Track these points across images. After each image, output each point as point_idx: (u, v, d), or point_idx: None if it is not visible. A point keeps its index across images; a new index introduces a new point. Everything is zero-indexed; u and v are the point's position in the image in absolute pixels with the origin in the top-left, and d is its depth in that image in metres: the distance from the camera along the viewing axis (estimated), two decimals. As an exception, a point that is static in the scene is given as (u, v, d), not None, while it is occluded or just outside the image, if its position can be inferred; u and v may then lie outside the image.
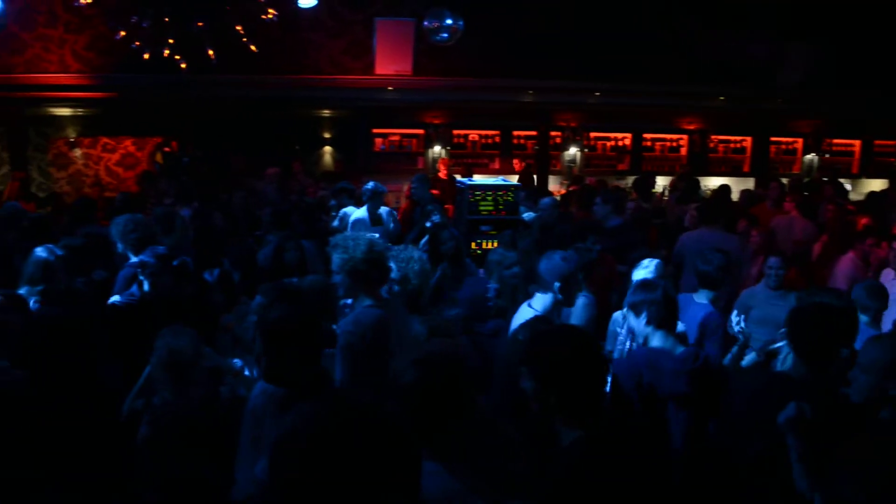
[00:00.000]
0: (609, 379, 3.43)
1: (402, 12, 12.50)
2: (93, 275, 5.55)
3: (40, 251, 4.81)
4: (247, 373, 4.14)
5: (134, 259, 5.24)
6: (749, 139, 15.42)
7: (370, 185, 8.06)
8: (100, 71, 12.17)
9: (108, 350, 4.44)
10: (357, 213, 8.03)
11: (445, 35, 8.91)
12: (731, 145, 15.52)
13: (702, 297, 4.79)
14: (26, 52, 11.98)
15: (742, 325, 4.35)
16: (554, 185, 14.19)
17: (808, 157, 15.49)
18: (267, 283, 4.78)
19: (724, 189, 11.07)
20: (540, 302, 3.97)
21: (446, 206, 8.69)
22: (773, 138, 15.46)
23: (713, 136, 15.28)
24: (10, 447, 2.87)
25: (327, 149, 14.63)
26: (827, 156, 15.57)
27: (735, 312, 4.62)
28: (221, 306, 5.24)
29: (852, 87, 13.30)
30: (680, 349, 3.44)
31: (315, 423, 1.27)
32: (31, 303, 4.41)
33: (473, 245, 7.45)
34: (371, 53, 12.71)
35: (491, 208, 7.61)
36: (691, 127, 15.15)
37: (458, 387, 2.32)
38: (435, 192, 10.47)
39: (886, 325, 4.75)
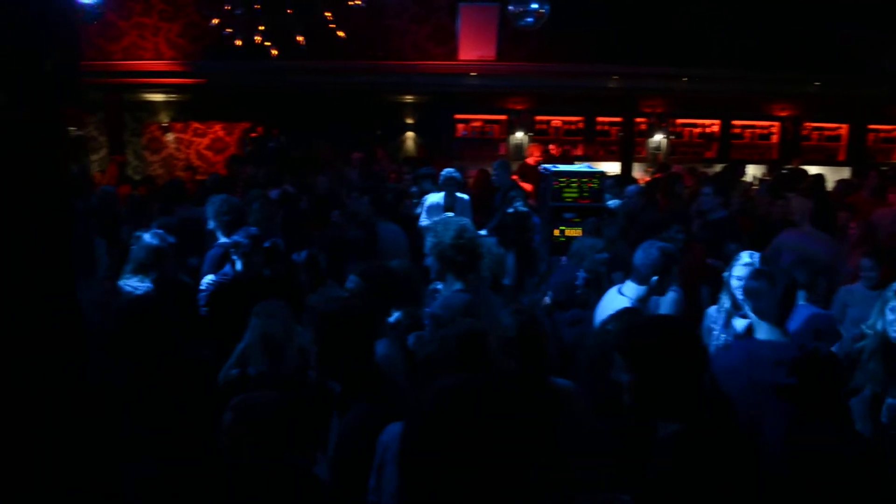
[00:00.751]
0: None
1: (486, -3, 12.45)
2: (188, 262, 5.73)
3: (150, 238, 4.73)
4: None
5: (224, 239, 5.37)
6: (845, 126, 14.74)
7: (446, 171, 8.10)
8: (191, 58, 12.56)
9: (203, 327, 4.60)
10: (432, 198, 8.06)
11: (531, 20, 8.78)
12: (826, 133, 14.88)
13: (800, 299, 4.60)
14: (123, 39, 12.45)
15: None
16: (638, 172, 13.91)
17: (909, 145, 14.74)
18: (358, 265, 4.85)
19: (819, 179, 10.64)
20: (632, 290, 3.90)
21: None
22: (871, 126, 14.75)
23: (806, 123, 14.68)
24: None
25: (410, 134, 14.72)
26: (930, 144, 14.79)
27: None
28: (307, 287, 5.34)
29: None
30: (783, 341, 3.33)
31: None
32: (142, 290, 4.51)
33: (556, 232, 7.37)
34: (455, 39, 12.70)
35: (575, 195, 7.50)
36: (783, 114, 14.59)
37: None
38: (523, 181, 10.44)
39: None
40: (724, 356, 3.43)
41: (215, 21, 10.28)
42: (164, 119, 14.65)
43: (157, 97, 14.44)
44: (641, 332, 2.42)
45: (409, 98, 14.54)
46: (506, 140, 14.18)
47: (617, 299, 3.93)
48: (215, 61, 12.09)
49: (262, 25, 10.11)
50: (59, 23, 1.21)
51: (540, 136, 14.15)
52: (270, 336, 3.42)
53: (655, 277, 3.83)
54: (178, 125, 14.80)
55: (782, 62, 12.69)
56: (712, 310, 4.57)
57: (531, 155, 12.26)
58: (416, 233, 7.36)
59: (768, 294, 3.41)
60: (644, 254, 3.91)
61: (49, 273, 1.22)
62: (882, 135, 14.91)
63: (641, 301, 3.88)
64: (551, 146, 14.00)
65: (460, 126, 14.28)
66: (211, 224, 5.64)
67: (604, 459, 2.75)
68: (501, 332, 2.54)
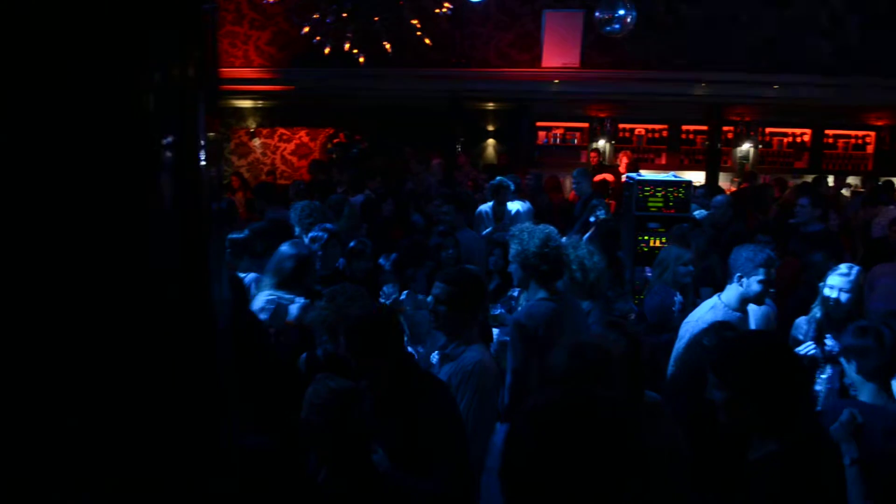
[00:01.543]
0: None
1: (571, 4, 12.37)
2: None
3: (288, 248, 4.45)
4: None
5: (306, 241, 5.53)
6: (950, 137, 14.03)
7: (495, 180, 8.14)
8: (279, 65, 12.89)
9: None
10: (482, 206, 8.08)
11: (617, 26, 8.67)
12: (927, 143, 14.19)
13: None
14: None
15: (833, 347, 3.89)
16: (724, 182, 13.54)
17: None
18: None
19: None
20: (732, 293, 3.84)
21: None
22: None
23: (905, 133, 14.04)
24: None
25: (490, 141, 14.74)
26: None
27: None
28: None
29: None
30: (893, 406, 3.04)
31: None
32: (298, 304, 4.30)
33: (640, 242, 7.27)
34: (538, 46, 12.66)
35: (660, 205, 7.37)
36: (880, 123, 13.97)
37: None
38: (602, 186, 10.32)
39: None
40: (829, 418, 3.19)
41: (306, 29, 10.53)
42: (252, 124, 15.07)
43: (245, 103, 14.86)
44: (738, 350, 2.35)
45: (490, 105, 14.56)
46: (587, 148, 14.04)
47: (712, 308, 3.85)
48: (303, 68, 12.38)
49: (350, 33, 10.31)
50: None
51: (622, 143, 13.96)
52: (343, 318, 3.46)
53: (757, 283, 3.74)
54: (265, 130, 15.20)
55: (880, 69, 12.17)
56: (802, 320, 4.42)
57: (620, 163, 12.15)
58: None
59: (876, 353, 3.03)
60: (747, 251, 3.84)
61: (192, 275, 1.27)
62: None
63: (739, 309, 3.79)
64: (592, 153, 13.75)
65: (542, 133, 14.22)
66: (296, 230, 5.81)
67: (683, 476, 2.67)
68: (604, 347, 2.50)
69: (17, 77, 1.10)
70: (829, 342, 3.94)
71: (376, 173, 9.71)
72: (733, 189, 12.62)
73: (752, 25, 11.95)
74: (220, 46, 12.84)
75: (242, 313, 3.75)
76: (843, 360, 3.19)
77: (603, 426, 1.24)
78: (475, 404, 3.12)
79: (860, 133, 14.11)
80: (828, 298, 4.21)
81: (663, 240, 6.97)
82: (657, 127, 14.08)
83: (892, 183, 10.60)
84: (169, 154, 1.18)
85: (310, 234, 5.16)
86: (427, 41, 10.62)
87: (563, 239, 4.17)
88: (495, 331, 4.76)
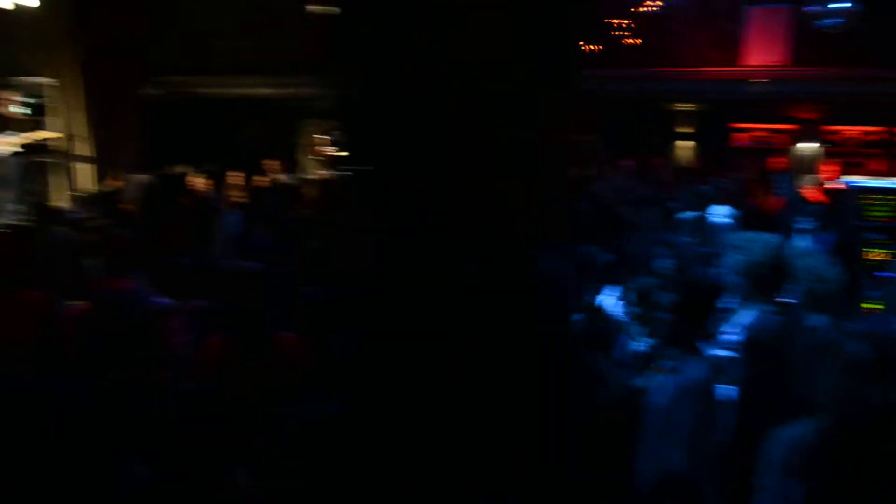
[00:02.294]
0: None
1: (776, -2, 11.72)
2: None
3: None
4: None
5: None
6: None
7: (697, 185, 7.88)
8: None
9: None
10: (684, 213, 7.80)
11: (834, 20, 8.11)
12: None
13: None
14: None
15: None
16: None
17: None
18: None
19: None
20: None
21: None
22: None
23: None
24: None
25: (685, 143, 14.23)
26: None
27: None
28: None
29: None
30: None
31: None
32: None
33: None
34: (738, 44, 12.10)
35: (883, 214, 6.81)
36: None
37: None
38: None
39: None
40: None
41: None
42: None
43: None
44: None
45: (685, 106, 14.06)
46: (789, 150, 13.22)
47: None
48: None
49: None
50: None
51: (829, 147, 13.01)
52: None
53: None
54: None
55: None
56: None
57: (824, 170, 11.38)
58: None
59: None
60: None
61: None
62: None
63: None
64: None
65: (740, 136, 13.57)
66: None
67: None
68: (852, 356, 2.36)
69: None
70: None
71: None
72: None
73: None
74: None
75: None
76: None
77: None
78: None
79: None
80: None
81: (887, 252, 6.44)
82: (874, 129, 12.99)
83: None
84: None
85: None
86: (634, 42, 10.47)
87: (794, 247, 3.97)
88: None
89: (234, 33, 13.33)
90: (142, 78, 13.50)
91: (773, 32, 11.82)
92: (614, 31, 10.40)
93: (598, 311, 5.10)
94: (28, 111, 11.95)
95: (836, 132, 13.11)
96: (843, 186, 7.53)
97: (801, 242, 6.38)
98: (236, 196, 9.23)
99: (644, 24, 11.30)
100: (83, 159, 12.60)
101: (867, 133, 13.03)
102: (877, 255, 6.57)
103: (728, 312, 4.78)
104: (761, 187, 10.59)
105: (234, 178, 10.09)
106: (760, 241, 3.69)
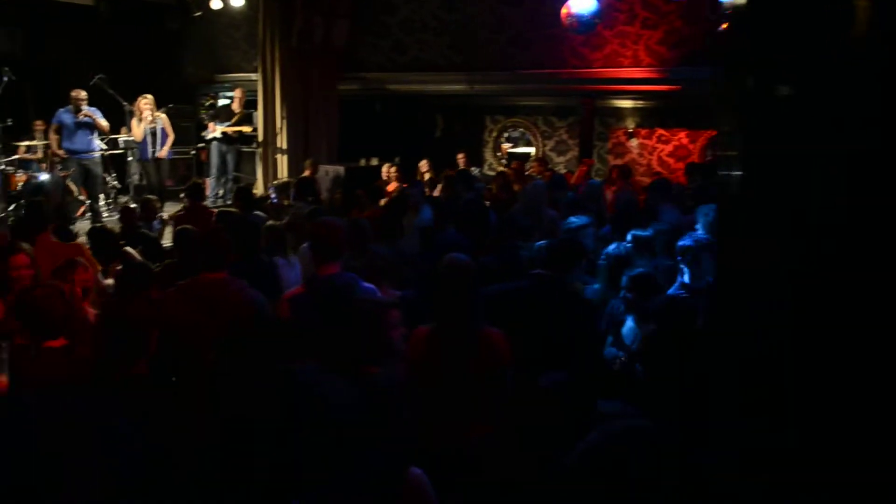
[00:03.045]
0: None
1: None
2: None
3: None
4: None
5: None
6: None
7: None
8: (668, 65, 12.53)
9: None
10: None
11: None
12: None
13: None
14: (605, 48, 12.93)
15: None
16: None
17: None
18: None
19: None
20: None
21: None
22: None
23: None
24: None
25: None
26: None
27: None
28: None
29: None
30: None
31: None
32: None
33: None
34: None
35: None
36: None
37: None
38: None
39: None
40: None
41: (724, 25, 10.09)
42: (630, 124, 14.95)
43: (626, 103, 14.79)
44: None
45: None
46: None
47: None
48: (693, 67, 11.89)
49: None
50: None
51: None
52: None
53: None
54: (644, 131, 14.98)
55: None
56: None
57: None
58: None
59: None
60: None
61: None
62: None
63: None
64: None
65: None
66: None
67: None
68: None
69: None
70: None
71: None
72: None
73: None
74: (610, 47, 12.90)
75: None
76: None
77: None
78: None
79: None
80: None
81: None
82: None
83: None
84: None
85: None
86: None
87: None
88: None
89: (428, 30, 13.52)
90: (337, 75, 14.03)
91: None
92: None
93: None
94: (232, 104, 12.75)
95: None
96: None
97: None
98: (427, 189, 9.31)
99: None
100: (282, 150, 13.27)
101: None
102: None
103: None
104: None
105: (425, 170, 10.18)
106: None
